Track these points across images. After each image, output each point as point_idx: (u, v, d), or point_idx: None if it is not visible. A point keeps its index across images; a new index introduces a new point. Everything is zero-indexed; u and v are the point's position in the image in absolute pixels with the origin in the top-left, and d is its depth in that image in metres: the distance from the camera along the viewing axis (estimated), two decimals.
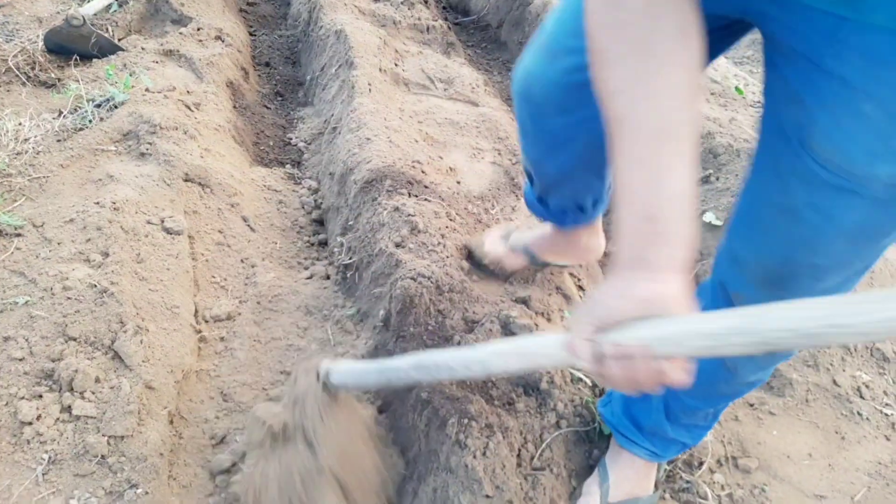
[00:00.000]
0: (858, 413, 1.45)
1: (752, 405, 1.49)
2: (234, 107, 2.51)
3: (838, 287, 0.88)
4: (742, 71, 3.12)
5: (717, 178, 2.02)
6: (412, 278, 1.55)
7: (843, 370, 1.53)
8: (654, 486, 1.30)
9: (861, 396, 1.47)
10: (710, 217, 1.96)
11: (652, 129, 0.68)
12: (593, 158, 1.14)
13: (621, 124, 0.70)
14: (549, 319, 1.58)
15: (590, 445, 1.34)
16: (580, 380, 1.41)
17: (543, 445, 1.28)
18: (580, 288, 1.73)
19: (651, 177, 0.68)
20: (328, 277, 1.85)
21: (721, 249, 1.02)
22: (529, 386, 1.37)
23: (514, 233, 1.67)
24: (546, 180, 1.28)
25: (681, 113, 0.68)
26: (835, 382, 1.49)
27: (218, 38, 2.71)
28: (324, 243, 2.02)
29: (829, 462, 1.38)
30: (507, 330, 1.47)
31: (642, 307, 0.67)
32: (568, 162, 1.17)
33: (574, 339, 0.72)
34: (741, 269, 0.95)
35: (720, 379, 1.09)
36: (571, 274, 1.80)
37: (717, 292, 1.04)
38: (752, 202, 0.91)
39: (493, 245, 1.65)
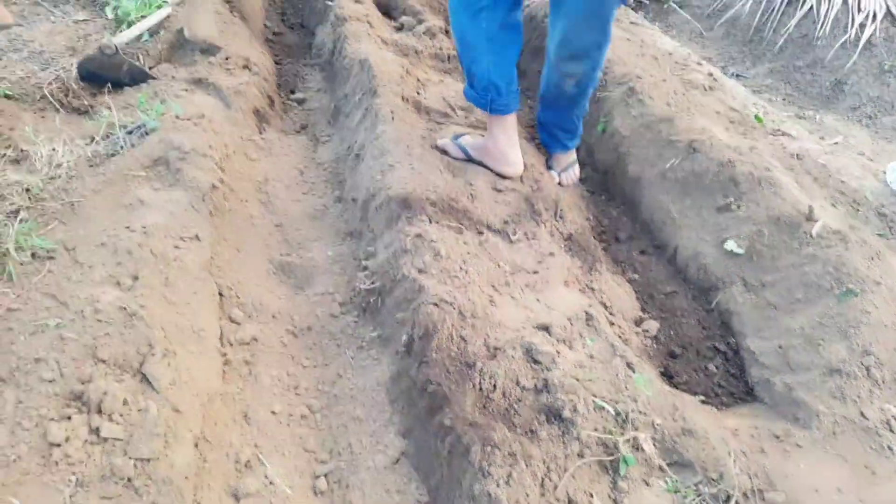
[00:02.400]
0: (889, 447, 1.43)
1: (777, 437, 1.47)
2: (260, 133, 2.56)
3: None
4: (761, 99, 3.14)
5: (739, 207, 2.02)
6: (435, 304, 1.56)
7: (871, 402, 1.50)
8: (574, 155, 2.48)
9: (891, 430, 1.45)
10: (731, 245, 1.96)
11: None
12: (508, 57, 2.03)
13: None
14: (570, 347, 1.58)
15: (613, 475, 1.33)
16: (603, 408, 1.41)
17: (567, 475, 1.28)
18: (611, 323, 1.72)
19: None
20: (352, 301, 1.87)
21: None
22: (552, 414, 1.37)
23: (464, 136, 2.28)
24: (479, 71, 2.01)
25: None
26: (863, 415, 1.47)
27: (245, 66, 2.78)
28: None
29: (860, 497, 1.35)
30: (530, 356, 1.47)
31: None
32: (493, 59, 1.99)
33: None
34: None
35: (556, 96, 2.23)
36: (602, 304, 1.80)
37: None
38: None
39: (445, 140, 2.28)
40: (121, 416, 1.27)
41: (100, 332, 1.40)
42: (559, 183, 2.38)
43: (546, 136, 2.48)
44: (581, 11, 1.90)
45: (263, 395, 1.55)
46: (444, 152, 2.23)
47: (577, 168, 2.47)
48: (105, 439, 1.25)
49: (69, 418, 1.26)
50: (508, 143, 2.10)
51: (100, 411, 1.27)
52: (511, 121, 2.10)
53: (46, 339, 1.39)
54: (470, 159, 2.20)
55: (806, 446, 1.44)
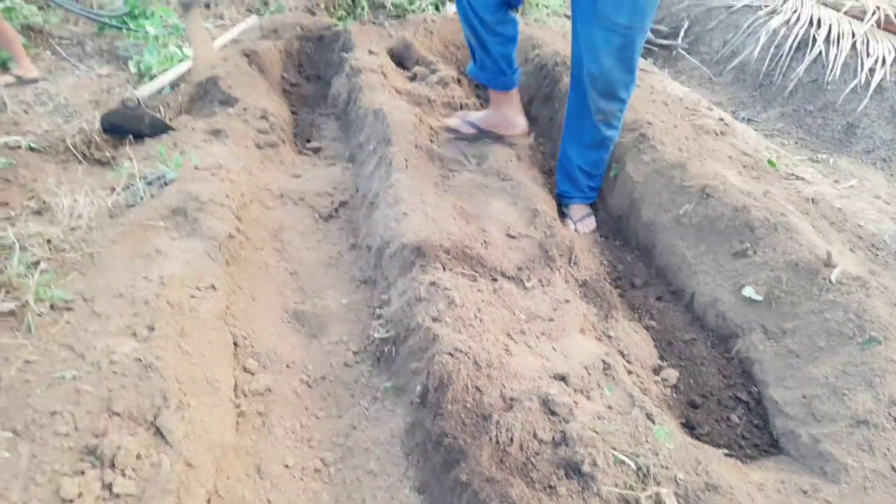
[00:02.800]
0: None
1: (805, 492, 1.42)
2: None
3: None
4: (773, 143, 3.15)
5: (755, 252, 2.00)
6: (449, 353, 1.55)
7: None
8: (591, 210, 2.59)
9: None
10: (749, 292, 1.93)
11: None
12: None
13: None
14: (588, 397, 1.56)
15: None
16: (623, 462, 1.37)
17: None
18: (629, 372, 1.70)
19: None
20: (366, 349, 1.86)
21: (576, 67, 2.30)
22: (571, 468, 1.34)
23: (470, 114, 2.70)
24: (489, 57, 2.41)
25: None
26: (893, 468, 1.42)
27: (262, 117, 2.84)
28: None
29: None
30: (547, 408, 1.44)
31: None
32: (497, 43, 2.36)
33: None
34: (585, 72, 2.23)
35: (580, 130, 2.40)
36: (620, 352, 1.78)
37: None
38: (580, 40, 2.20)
39: (454, 120, 2.67)
40: (134, 470, 1.26)
41: (115, 384, 1.40)
42: (575, 230, 2.47)
43: (567, 184, 2.55)
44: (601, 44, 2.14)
45: (277, 448, 1.53)
46: (456, 131, 2.62)
47: (593, 219, 2.56)
48: (118, 495, 1.23)
49: (82, 473, 1.26)
50: (512, 111, 2.57)
51: (113, 466, 1.26)
52: (514, 94, 2.55)
53: (62, 391, 1.39)
54: (480, 130, 2.61)
55: (836, 501, 1.39)
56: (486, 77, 2.50)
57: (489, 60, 2.42)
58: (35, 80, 3.23)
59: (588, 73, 2.21)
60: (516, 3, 2.33)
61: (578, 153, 2.46)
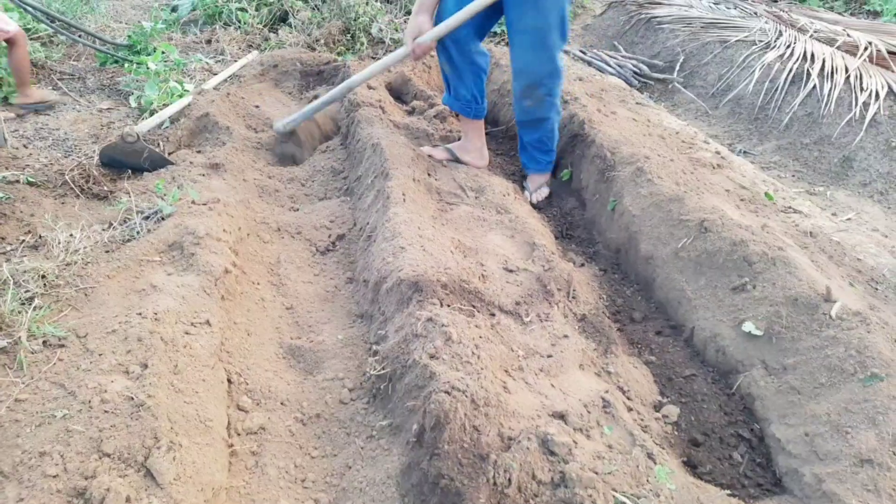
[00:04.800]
0: None
1: None
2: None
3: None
4: (770, 176, 3.16)
5: (754, 287, 1.99)
6: (446, 392, 1.52)
7: None
8: (547, 178, 3.00)
9: None
10: (749, 327, 1.92)
11: None
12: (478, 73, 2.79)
13: None
14: (588, 436, 1.53)
15: None
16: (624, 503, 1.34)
17: None
18: (629, 409, 1.67)
19: None
20: (362, 386, 1.83)
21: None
22: None
23: (446, 145, 2.98)
24: (464, 88, 2.77)
25: None
26: None
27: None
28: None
29: None
30: (546, 448, 1.42)
31: (424, 24, 2.56)
32: (471, 72, 2.75)
33: (407, 43, 2.60)
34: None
35: (520, 113, 2.79)
36: (620, 388, 1.76)
37: None
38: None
39: (429, 148, 2.94)
40: None
41: (106, 423, 1.37)
42: (531, 202, 2.87)
43: (526, 158, 2.97)
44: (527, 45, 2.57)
45: (270, 489, 1.50)
46: (431, 156, 2.86)
47: (547, 189, 2.98)
48: None
49: None
50: (480, 140, 2.92)
51: None
52: (481, 124, 2.90)
53: (52, 431, 1.37)
54: (454, 158, 2.89)
55: None
56: (459, 105, 2.82)
57: (463, 89, 2.76)
58: (53, 103, 3.28)
59: (514, 69, 2.66)
60: (485, 33, 2.76)
61: (525, 132, 2.86)
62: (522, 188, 2.94)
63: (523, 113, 2.78)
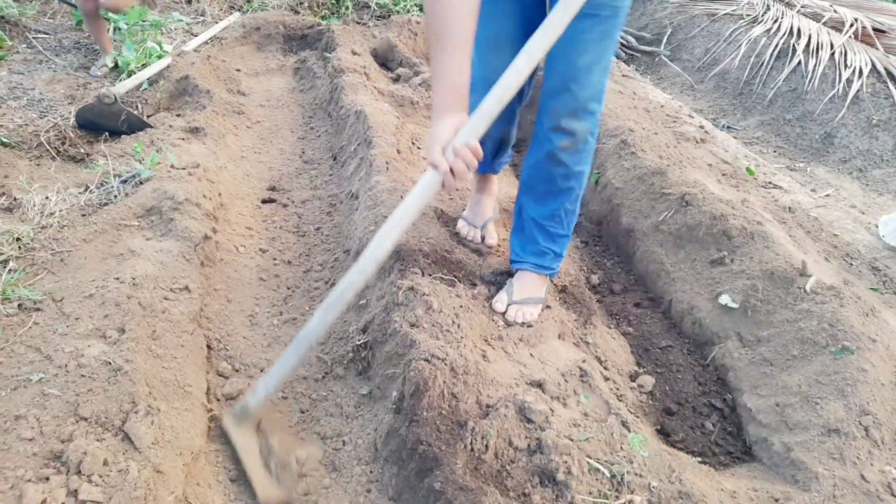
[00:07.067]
0: None
1: (777, 500, 1.43)
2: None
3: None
4: (752, 151, 3.18)
5: (732, 260, 2.01)
6: (426, 360, 1.53)
7: (871, 464, 1.47)
8: (545, 293, 1.90)
9: (892, 493, 1.41)
10: (725, 300, 1.95)
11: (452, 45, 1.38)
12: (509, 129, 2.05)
13: (440, 46, 1.39)
14: (564, 404, 1.55)
15: None
16: (597, 470, 1.37)
17: None
18: (606, 379, 1.69)
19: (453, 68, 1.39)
20: (343, 355, 1.84)
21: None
22: (545, 476, 1.33)
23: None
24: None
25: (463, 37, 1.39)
26: (863, 478, 1.43)
27: (241, 113, 2.81)
28: None
29: None
30: (523, 415, 1.44)
31: (455, 128, 1.36)
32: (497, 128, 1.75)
33: (435, 162, 1.35)
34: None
35: (541, 179, 1.78)
36: (597, 358, 1.78)
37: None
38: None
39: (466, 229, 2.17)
40: (100, 477, 1.23)
41: (83, 387, 1.36)
42: (505, 319, 1.83)
43: (517, 243, 1.92)
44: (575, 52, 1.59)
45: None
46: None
47: (537, 309, 1.85)
48: (83, 502, 1.20)
49: (47, 479, 1.22)
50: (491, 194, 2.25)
51: (79, 472, 1.22)
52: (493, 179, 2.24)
53: (28, 394, 1.36)
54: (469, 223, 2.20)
55: None
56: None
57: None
58: (126, 11, 3.35)
59: (550, 87, 1.65)
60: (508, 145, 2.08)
61: (534, 202, 1.83)
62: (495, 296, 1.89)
63: (544, 168, 1.76)
